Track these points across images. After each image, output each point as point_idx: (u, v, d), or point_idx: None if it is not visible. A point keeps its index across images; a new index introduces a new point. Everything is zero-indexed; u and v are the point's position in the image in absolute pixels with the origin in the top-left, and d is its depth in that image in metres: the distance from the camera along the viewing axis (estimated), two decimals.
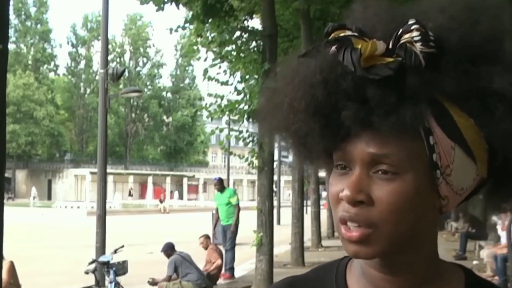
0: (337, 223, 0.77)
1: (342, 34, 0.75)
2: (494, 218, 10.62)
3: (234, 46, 12.30)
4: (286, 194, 48.56)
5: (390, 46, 0.74)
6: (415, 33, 0.73)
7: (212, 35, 11.58)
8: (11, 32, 51.76)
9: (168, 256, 9.13)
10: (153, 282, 9.00)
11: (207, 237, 10.35)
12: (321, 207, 18.62)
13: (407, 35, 0.74)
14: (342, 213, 0.75)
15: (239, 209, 11.44)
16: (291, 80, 0.79)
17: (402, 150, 0.74)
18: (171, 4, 10.65)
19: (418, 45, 0.73)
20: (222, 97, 11.49)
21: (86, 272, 8.37)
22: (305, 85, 0.77)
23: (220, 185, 11.69)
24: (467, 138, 0.75)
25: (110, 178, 45.59)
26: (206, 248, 10.11)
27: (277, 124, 0.81)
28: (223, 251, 10.95)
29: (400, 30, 0.74)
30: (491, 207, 0.85)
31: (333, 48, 0.75)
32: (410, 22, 0.74)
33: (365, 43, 0.73)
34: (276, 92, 0.81)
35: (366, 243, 0.74)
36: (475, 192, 0.81)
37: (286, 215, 19.65)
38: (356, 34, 0.75)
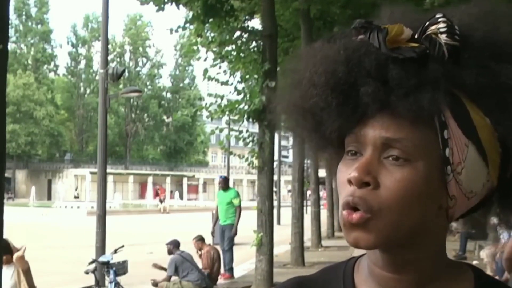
0: (341, 211, 0.76)
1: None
2: (494, 218, 10.61)
3: (234, 46, 12.29)
4: (286, 193, 48.66)
5: (416, 36, 0.75)
6: (441, 25, 0.75)
7: (212, 35, 11.58)
8: (11, 32, 51.77)
9: (169, 251, 9.12)
10: (154, 283, 9.00)
11: (199, 239, 10.09)
12: (321, 207, 18.62)
13: (433, 27, 0.75)
14: (346, 198, 0.75)
15: (240, 211, 11.44)
16: (313, 57, 0.79)
17: (416, 137, 0.73)
18: (171, 4, 10.65)
19: (443, 36, 0.74)
20: (222, 97, 11.47)
21: (86, 272, 8.38)
22: (327, 61, 0.77)
23: (225, 183, 11.75)
24: (481, 137, 0.75)
25: (110, 178, 45.56)
26: (199, 250, 10.00)
27: (294, 101, 0.80)
28: (221, 252, 10.91)
29: (427, 22, 0.76)
30: (501, 221, 0.84)
31: (360, 36, 0.76)
32: (438, 15, 0.76)
33: (391, 25, 0.74)
34: (295, 71, 0.82)
35: (367, 229, 0.73)
36: (483, 204, 0.80)
37: (286, 215, 19.65)
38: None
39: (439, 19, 0.75)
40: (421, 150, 0.74)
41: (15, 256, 6.36)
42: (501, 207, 0.82)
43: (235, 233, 11.40)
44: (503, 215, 0.83)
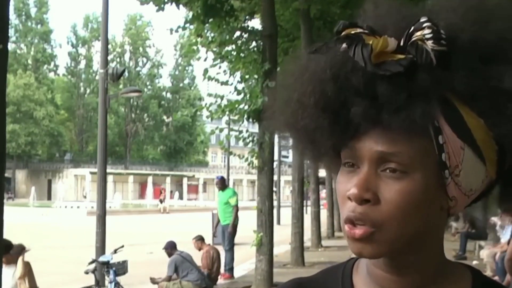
0: (343, 224, 0.76)
1: (353, 32, 0.74)
2: (494, 218, 10.62)
3: (234, 46, 12.30)
4: (287, 192, 48.61)
5: (402, 44, 0.74)
6: (426, 31, 0.73)
7: (212, 35, 11.58)
8: (11, 32, 51.75)
9: (169, 254, 9.11)
10: (153, 282, 9.01)
11: (198, 239, 10.06)
12: (321, 207, 18.61)
13: (418, 33, 0.73)
14: (348, 213, 0.75)
15: (237, 210, 11.44)
16: (300, 75, 0.78)
17: (411, 149, 0.73)
18: (171, 4, 10.65)
19: (429, 43, 0.72)
20: (222, 97, 11.47)
21: (86, 272, 8.38)
22: (314, 81, 0.76)
23: (222, 184, 11.77)
24: (476, 138, 0.74)
25: (110, 178, 45.55)
26: (199, 250, 10.00)
27: (284, 121, 0.80)
28: (222, 252, 10.89)
29: (412, 28, 0.74)
30: (502, 210, 0.85)
31: (344, 44, 0.74)
32: (422, 19, 0.73)
33: (376, 39, 0.73)
34: (284, 88, 0.81)
35: (370, 241, 0.74)
36: (484, 195, 0.80)
37: (286, 215, 19.65)
38: (367, 31, 0.74)
39: (424, 24, 0.73)
40: (418, 160, 0.73)
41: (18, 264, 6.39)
42: (501, 198, 0.82)
43: (231, 232, 11.37)
44: (504, 205, 0.83)
